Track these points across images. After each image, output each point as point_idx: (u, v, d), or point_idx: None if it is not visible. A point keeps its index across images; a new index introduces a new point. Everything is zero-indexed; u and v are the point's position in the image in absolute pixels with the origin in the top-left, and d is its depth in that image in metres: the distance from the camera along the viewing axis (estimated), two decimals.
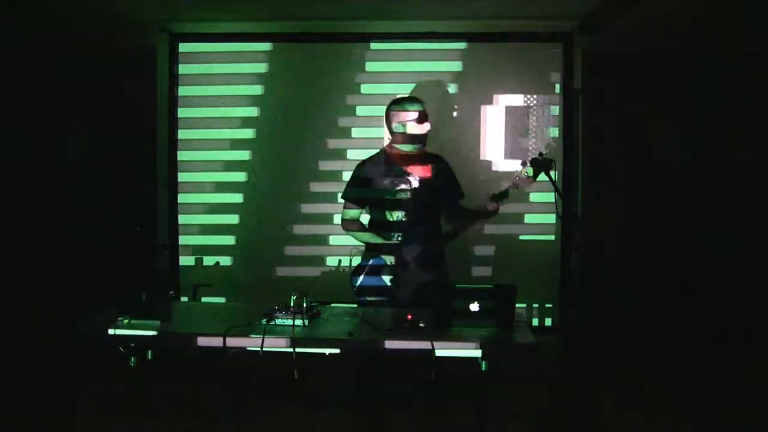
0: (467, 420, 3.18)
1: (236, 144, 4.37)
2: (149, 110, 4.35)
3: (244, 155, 4.37)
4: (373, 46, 4.31)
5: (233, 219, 4.40)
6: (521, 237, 4.32)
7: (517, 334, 2.75)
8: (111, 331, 2.71)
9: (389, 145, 3.45)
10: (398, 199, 3.36)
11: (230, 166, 4.39)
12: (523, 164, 3.24)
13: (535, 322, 4.34)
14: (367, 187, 3.41)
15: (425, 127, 3.35)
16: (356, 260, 3.47)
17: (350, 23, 4.26)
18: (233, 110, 4.35)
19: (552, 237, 4.32)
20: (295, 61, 4.35)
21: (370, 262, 3.39)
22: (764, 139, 4.42)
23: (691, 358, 4.08)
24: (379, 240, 3.40)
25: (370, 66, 4.31)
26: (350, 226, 3.50)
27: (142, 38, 4.29)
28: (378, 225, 3.43)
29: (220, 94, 4.34)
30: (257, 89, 4.35)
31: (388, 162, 3.41)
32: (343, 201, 3.51)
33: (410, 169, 3.38)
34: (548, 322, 4.37)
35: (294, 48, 4.36)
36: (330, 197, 4.21)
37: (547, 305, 4.37)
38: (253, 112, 4.35)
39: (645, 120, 4.44)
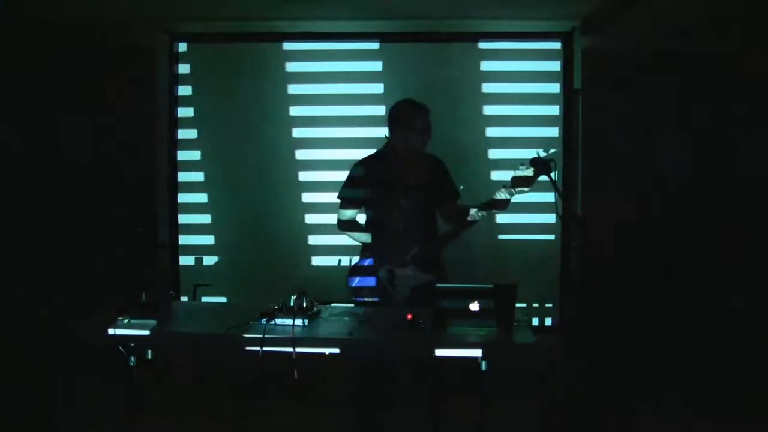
0: (467, 420, 3.18)
1: (236, 142, 4.37)
2: (149, 110, 4.35)
3: (244, 154, 4.37)
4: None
5: (233, 218, 4.40)
6: (521, 237, 4.32)
7: (517, 334, 2.75)
8: (111, 331, 2.71)
9: (387, 146, 3.42)
10: (395, 199, 3.34)
11: (230, 164, 4.39)
12: (522, 164, 3.23)
13: (535, 322, 4.35)
14: (364, 187, 3.39)
15: (428, 135, 3.33)
16: (354, 260, 3.47)
17: (344, 23, 4.27)
18: (233, 109, 4.36)
19: (552, 237, 4.32)
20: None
21: (367, 262, 3.38)
22: (765, 139, 4.41)
23: (691, 357, 4.07)
24: (376, 240, 3.38)
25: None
26: (346, 226, 3.47)
27: (142, 38, 4.30)
28: (374, 225, 3.41)
29: (220, 93, 4.35)
30: (258, 88, 4.35)
31: (385, 162, 3.39)
32: (339, 201, 3.47)
33: (407, 169, 3.35)
34: (548, 322, 4.38)
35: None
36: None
37: (547, 305, 4.37)
38: (253, 110, 4.35)
39: (645, 120, 4.43)
